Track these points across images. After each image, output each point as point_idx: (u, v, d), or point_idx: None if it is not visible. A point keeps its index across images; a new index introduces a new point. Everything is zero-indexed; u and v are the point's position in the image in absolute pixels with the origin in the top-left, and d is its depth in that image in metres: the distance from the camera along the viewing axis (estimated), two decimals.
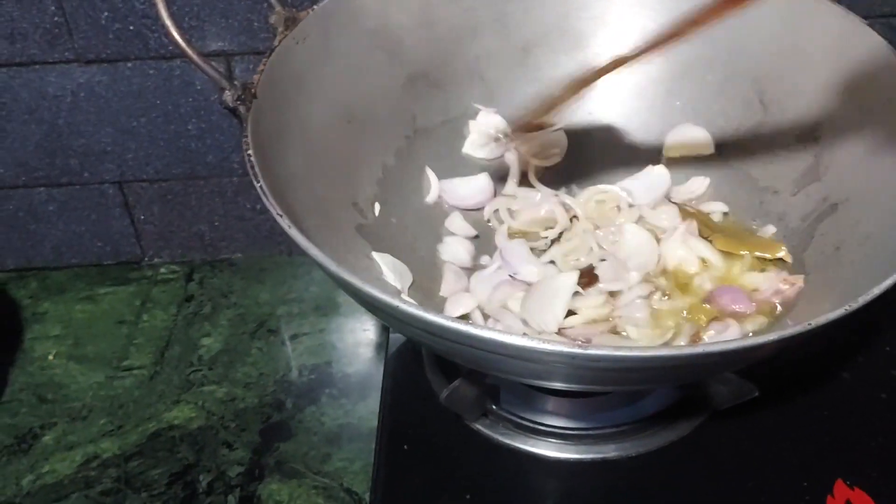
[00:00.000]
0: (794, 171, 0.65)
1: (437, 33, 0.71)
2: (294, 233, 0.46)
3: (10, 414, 0.76)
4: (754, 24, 0.67)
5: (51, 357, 0.82)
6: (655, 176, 0.72)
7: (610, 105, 0.73)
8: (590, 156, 0.74)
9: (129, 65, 0.80)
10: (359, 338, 0.83)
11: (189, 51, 0.52)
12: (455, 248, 0.69)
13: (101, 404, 0.77)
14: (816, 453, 0.61)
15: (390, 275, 0.63)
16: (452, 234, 0.71)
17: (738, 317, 0.60)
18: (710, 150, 0.70)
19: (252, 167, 0.50)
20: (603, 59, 0.71)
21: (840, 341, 0.70)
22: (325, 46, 0.64)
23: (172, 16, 0.52)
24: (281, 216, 0.47)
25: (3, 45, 0.77)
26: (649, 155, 0.72)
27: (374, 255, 0.64)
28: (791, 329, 0.40)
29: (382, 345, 0.81)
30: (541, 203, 0.71)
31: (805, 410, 0.64)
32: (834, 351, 0.69)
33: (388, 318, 0.49)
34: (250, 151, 0.51)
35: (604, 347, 0.39)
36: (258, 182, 0.49)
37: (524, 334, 0.40)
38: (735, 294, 0.62)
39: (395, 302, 0.42)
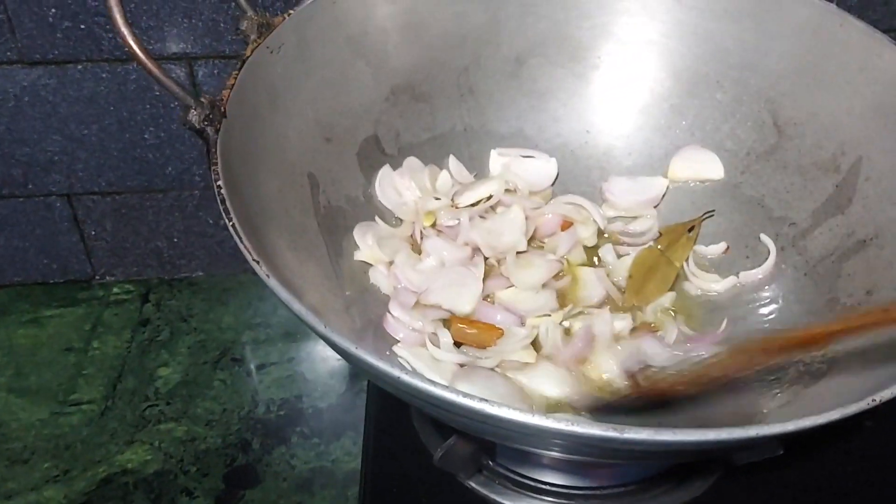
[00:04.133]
0: (812, 202, 0.60)
1: (423, 41, 0.65)
2: (273, 283, 0.40)
3: None
4: (768, 41, 0.62)
5: None
6: (650, 183, 0.67)
7: (611, 121, 0.67)
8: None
9: (80, 67, 0.73)
10: (332, 367, 0.77)
11: (148, 63, 0.45)
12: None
13: (45, 445, 0.69)
14: None
15: None
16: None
17: None
18: (720, 174, 0.65)
19: (223, 201, 0.43)
20: (605, 75, 0.67)
21: None
22: (302, 56, 0.58)
23: (128, 20, 0.45)
24: (257, 262, 0.41)
25: None
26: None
27: None
28: (807, 420, 0.36)
29: (358, 375, 0.75)
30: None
31: (827, 463, 0.59)
32: None
33: (375, 379, 0.42)
34: (220, 182, 0.44)
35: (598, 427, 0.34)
36: (230, 220, 0.43)
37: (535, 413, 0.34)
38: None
39: (385, 367, 0.37)
